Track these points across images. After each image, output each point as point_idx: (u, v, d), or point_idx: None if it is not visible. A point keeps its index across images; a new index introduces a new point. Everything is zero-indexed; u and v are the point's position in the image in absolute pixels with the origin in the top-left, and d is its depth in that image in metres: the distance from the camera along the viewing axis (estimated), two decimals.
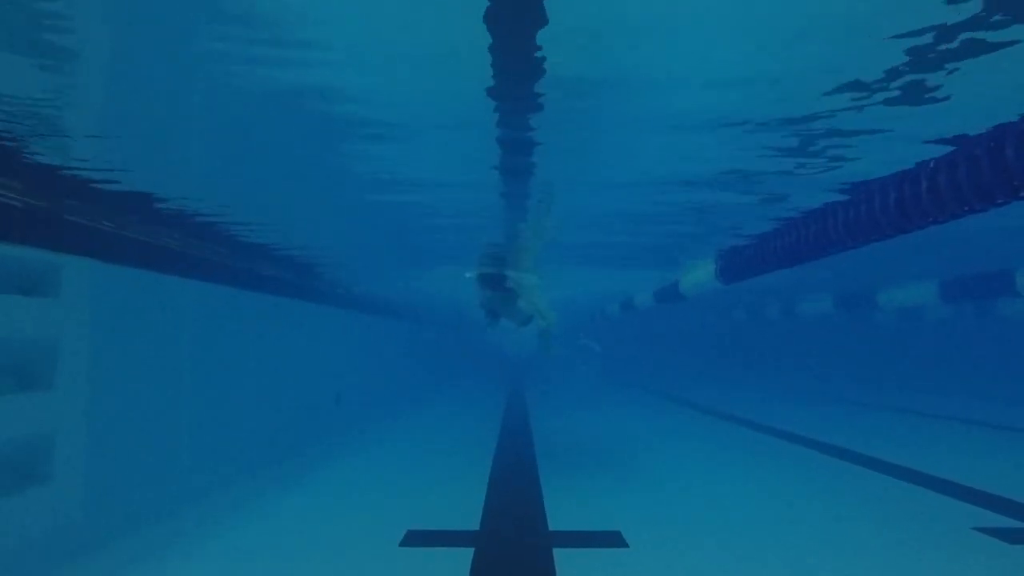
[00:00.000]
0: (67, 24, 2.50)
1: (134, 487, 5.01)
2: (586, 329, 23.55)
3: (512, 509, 5.20)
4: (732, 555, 3.96)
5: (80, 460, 4.43)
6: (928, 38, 2.63)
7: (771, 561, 3.85)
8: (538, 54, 2.67)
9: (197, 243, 6.27)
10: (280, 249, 7.49)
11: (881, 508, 5.05)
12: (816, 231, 5.39)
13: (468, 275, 8.13)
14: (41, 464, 4.18)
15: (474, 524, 4.63)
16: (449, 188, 5.05)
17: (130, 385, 5.04)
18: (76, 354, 4.42)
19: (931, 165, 3.99)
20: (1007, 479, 5.95)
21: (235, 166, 4.48)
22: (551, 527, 4.56)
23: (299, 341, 8.92)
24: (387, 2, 2.35)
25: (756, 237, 6.81)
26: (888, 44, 2.68)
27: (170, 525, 4.65)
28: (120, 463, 4.85)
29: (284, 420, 8.12)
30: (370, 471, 6.68)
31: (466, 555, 3.95)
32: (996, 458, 7.52)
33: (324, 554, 4.05)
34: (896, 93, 3.15)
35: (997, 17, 2.47)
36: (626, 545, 4.14)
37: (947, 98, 3.20)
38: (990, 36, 2.61)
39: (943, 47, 2.71)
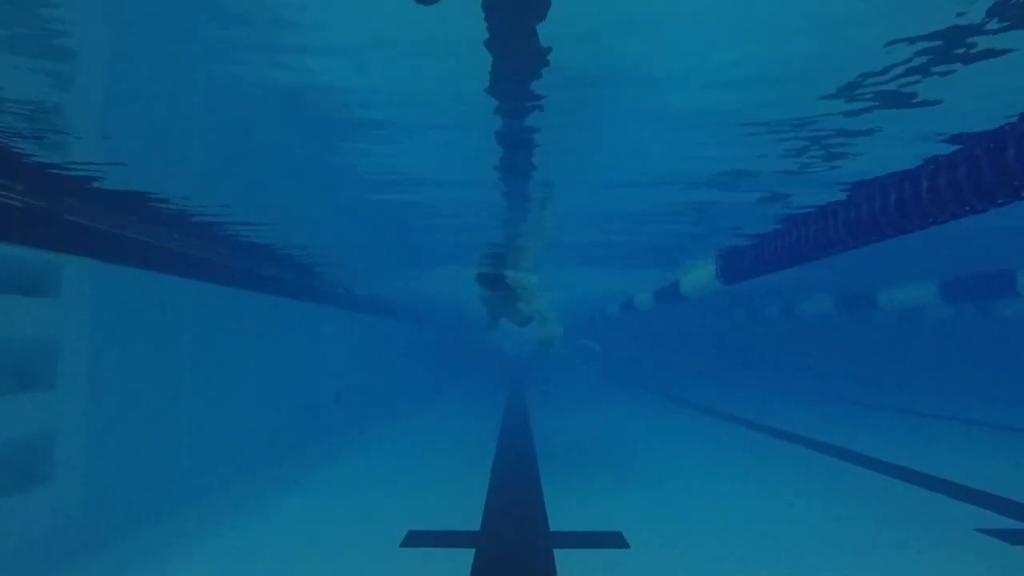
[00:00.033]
0: (67, 23, 2.50)
1: (134, 487, 5.01)
2: (586, 329, 23.56)
3: (513, 509, 5.20)
4: (733, 555, 3.96)
5: (80, 460, 4.43)
6: (930, 37, 2.63)
7: (772, 561, 3.85)
8: (539, 50, 2.65)
9: (197, 243, 6.27)
10: (280, 249, 7.49)
11: (881, 508, 5.05)
12: (816, 231, 5.39)
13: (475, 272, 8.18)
14: (41, 464, 4.17)
15: (475, 525, 4.63)
16: (449, 187, 5.04)
17: (130, 385, 5.04)
18: (76, 354, 4.42)
19: (931, 165, 3.99)
20: (1008, 479, 5.94)
21: (235, 165, 4.48)
22: (552, 527, 4.56)
23: (299, 341, 8.91)
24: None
25: (756, 237, 6.81)
26: (889, 43, 2.67)
27: (170, 525, 4.65)
28: (120, 463, 4.85)
29: (284, 420, 8.12)
30: (370, 471, 6.68)
31: (467, 556, 3.95)
32: (997, 458, 7.51)
33: (324, 554, 4.05)
34: (897, 92, 3.15)
35: (995, 23, 2.47)
36: (627, 546, 4.14)
37: (948, 99, 3.20)
38: (990, 40, 2.61)
39: (945, 47, 2.71)
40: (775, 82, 3.05)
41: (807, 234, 5.56)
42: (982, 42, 2.65)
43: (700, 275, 8.92)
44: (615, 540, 4.24)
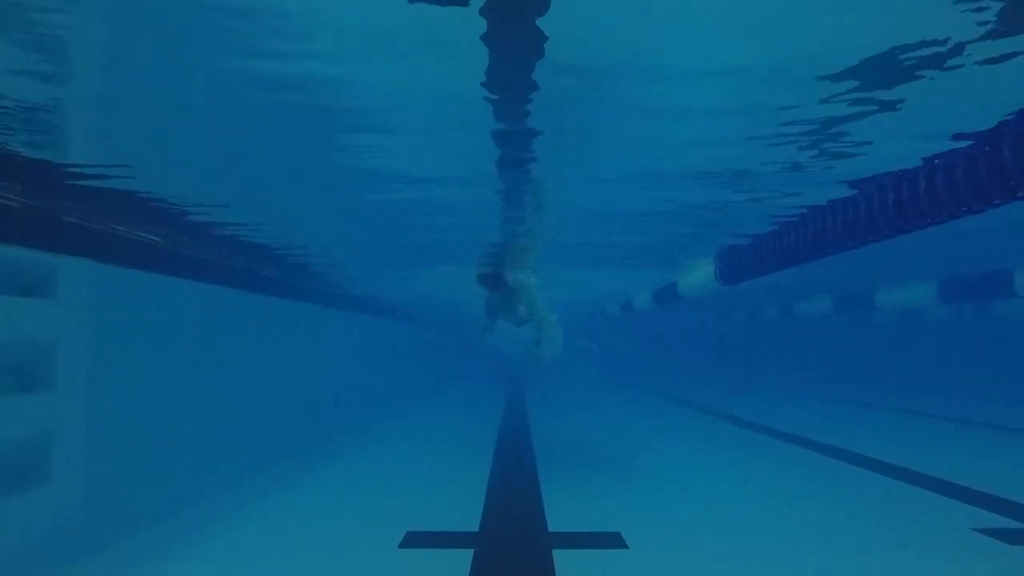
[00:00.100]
0: (65, 23, 2.51)
1: (134, 487, 5.01)
2: (585, 329, 23.56)
3: (511, 510, 5.21)
4: (732, 555, 3.96)
5: (80, 460, 4.43)
6: (932, 35, 2.63)
7: (771, 561, 3.85)
8: (536, 42, 2.64)
9: (196, 243, 6.27)
10: (279, 249, 7.50)
11: (881, 509, 5.05)
12: (815, 231, 5.40)
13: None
14: (40, 465, 4.18)
15: (473, 525, 4.64)
16: (446, 185, 5.03)
17: (129, 385, 5.04)
18: (75, 355, 4.42)
19: (929, 166, 4.00)
20: (1007, 480, 5.95)
21: (234, 165, 4.48)
22: (551, 528, 4.56)
23: (298, 342, 8.92)
24: None
25: (755, 237, 6.82)
26: (894, 37, 2.67)
27: (170, 525, 4.65)
28: (120, 463, 4.85)
29: (284, 420, 8.12)
30: (370, 471, 6.69)
31: (465, 556, 3.95)
32: (996, 458, 7.52)
33: (324, 555, 4.05)
34: (898, 91, 3.15)
35: (1004, 25, 2.48)
36: (626, 546, 4.14)
37: (949, 97, 3.20)
38: (995, 42, 2.62)
39: (946, 45, 2.72)
40: (777, 78, 3.04)
41: (805, 234, 5.57)
42: (986, 44, 2.65)
43: (699, 276, 8.92)
44: (614, 540, 4.24)
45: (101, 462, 4.61)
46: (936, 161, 4.01)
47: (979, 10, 2.44)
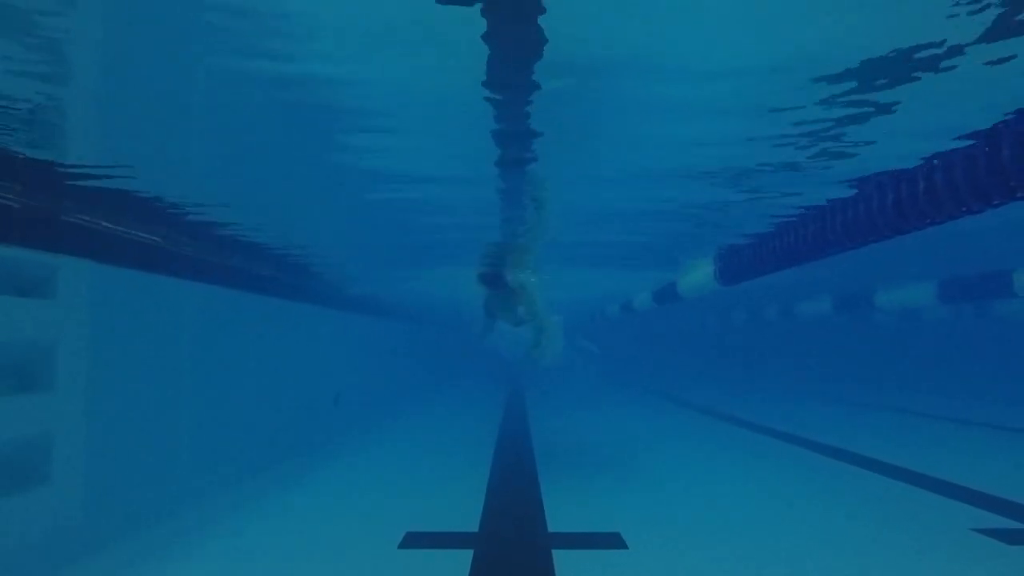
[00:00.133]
0: (65, 24, 2.51)
1: (134, 487, 5.01)
2: (585, 329, 23.55)
3: (511, 510, 5.21)
4: (732, 556, 3.96)
5: (79, 461, 4.43)
6: (932, 36, 2.64)
7: (771, 562, 3.86)
8: (536, 39, 2.64)
9: (196, 244, 6.27)
10: (279, 250, 7.50)
11: (880, 509, 5.06)
12: (815, 231, 5.40)
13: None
14: (41, 465, 4.18)
15: (473, 526, 4.64)
16: (445, 184, 5.04)
17: (129, 386, 5.04)
18: (74, 355, 4.42)
19: (928, 166, 4.00)
20: (1006, 480, 5.95)
21: (234, 164, 4.48)
22: (550, 528, 4.57)
23: (298, 342, 8.92)
24: None
25: (755, 237, 6.82)
26: (894, 37, 2.67)
27: (170, 525, 4.66)
28: (120, 464, 4.86)
29: (284, 421, 8.12)
30: (370, 471, 6.69)
31: (465, 557, 3.95)
32: (995, 459, 7.52)
33: (323, 555, 4.06)
34: (899, 89, 3.15)
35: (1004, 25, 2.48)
36: (625, 546, 4.14)
37: (950, 95, 3.20)
38: (991, 45, 2.62)
39: (944, 46, 2.72)
40: (777, 78, 3.04)
41: (805, 234, 5.57)
42: (989, 41, 2.65)
43: (698, 276, 8.93)
44: (613, 541, 4.24)
45: (101, 462, 4.61)
46: (935, 161, 4.02)
47: (979, 11, 2.44)
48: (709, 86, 3.16)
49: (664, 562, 3.86)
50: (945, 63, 2.86)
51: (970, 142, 3.76)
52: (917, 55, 2.80)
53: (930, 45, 2.71)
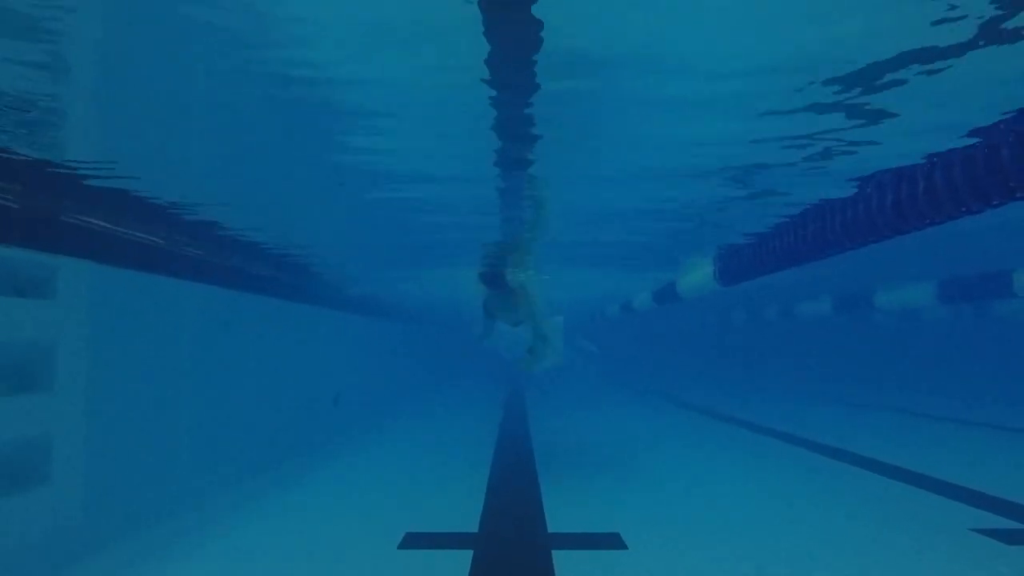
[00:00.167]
0: (65, 25, 2.51)
1: (134, 488, 5.01)
2: (585, 330, 23.57)
3: (511, 510, 5.21)
4: (732, 556, 3.96)
5: (79, 461, 4.43)
6: (931, 37, 2.64)
7: (771, 562, 3.86)
8: (536, 35, 2.64)
9: (195, 244, 6.27)
10: (279, 250, 7.50)
11: (880, 509, 5.06)
12: (815, 231, 5.40)
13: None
14: (41, 465, 4.18)
15: (473, 526, 4.64)
16: (445, 183, 5.03)
17: (129, 386, 5.04)
18: (74, 356, 4.42)
19: (928, 166, 4.00)
20: (1005, 480, 5.95)
21: (234, 164, 4.48)
22: (550, 529, 4.57)
23: (298, 342, 8.92)
24: None
25: (755, 237, 6.82)
26: (895, 35, 2.67)
27: (170, 526, 4.66)
28: (120, 464, 4.86)
29: (284, 421, 8.12)
30: (370, 471, 6.69)
31: (465, 557, 3.95)
32: (995, 459, 7.52)
33: (323, 555, 4.06)
34: (900, 88, 3.15)
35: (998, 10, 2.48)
36: (625, 547, 4.14)
37: (951, 93, 3.20)
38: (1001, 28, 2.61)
39: (943, 47, 2.72)
40: (780, 75, 3.03)
41: (805, 234, 5.57)
42: (993, 33, 2.65)
43: (698, 276, 8.93)
44: (613, 541, 4.24)
45: (101, 462, 4.61)
46: (935, 161, 4.02)
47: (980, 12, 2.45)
48: (709, 86, 3.16)
49: (664, 562, 3.86)
50: (947, 63, 2.86)
51: (970, 143, 3.76)
52: (918, 56, 2.80)
53: (931, 45, 2.71)
